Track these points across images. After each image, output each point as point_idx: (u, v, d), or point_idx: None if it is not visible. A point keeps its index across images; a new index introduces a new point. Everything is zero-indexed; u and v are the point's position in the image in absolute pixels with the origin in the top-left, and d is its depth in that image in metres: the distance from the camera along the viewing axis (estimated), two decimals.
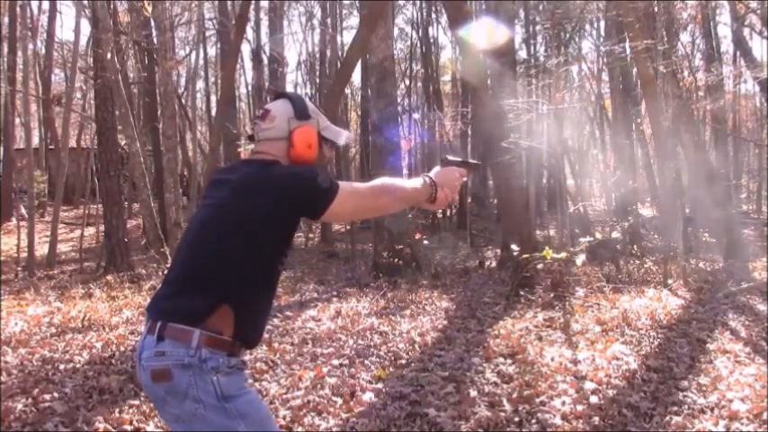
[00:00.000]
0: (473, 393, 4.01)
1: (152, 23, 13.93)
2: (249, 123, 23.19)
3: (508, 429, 3.52)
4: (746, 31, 19.05)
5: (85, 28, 29.83)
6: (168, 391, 1.72)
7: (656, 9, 11.18)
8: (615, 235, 9.62)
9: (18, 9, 17.53)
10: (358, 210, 1.90)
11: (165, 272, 1.96)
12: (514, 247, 7.59)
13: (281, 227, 1.81)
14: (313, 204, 1.79)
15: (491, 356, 4.83)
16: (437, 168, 2.00)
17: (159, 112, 14.84)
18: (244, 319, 1.78)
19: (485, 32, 9.23)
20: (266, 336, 5.35)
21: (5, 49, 18.10)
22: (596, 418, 3.59)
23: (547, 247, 7.22)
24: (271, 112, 1.94)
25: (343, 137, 2.03)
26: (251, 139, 1.99)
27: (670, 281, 8.26)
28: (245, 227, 1.76)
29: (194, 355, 1.70)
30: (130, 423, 3.58)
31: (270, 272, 1.86)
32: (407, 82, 26.76)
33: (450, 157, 2.04)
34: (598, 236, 8.18)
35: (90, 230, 16.54)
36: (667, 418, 3.62)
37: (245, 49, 21.48)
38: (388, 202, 1.90)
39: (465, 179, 2.03)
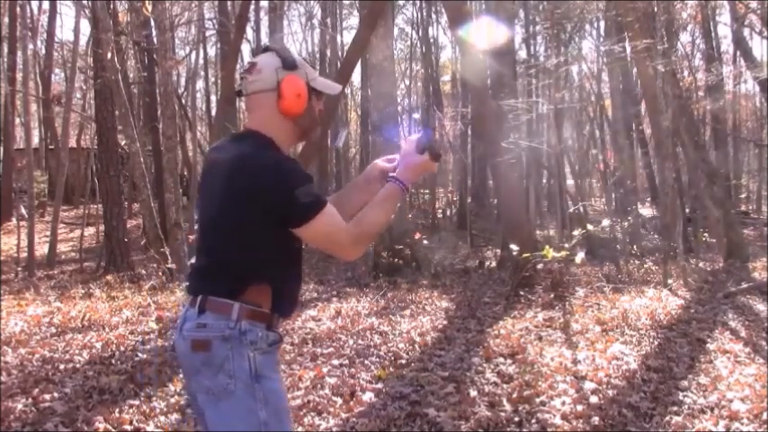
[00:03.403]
0: (473, 393, 4.01)
1: (152, 23, 13.92)
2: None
3: (508, 429, 3.52)
4: (746, 31, 19.07)
5: (85, 28, 29.87)
6: (204, 361, 1.75)
7: (655, 9, 11.17)
8: (605, 223, 9.68)
9: (18, 9, 17.52)
10: (329, 244, 1.83)
11: (195, 243, 1.98)
12: (514, 246, 7.58)
13: (275, 219, 1.78)
14: (287, 220, 1.76)
15: (491, 356, 4.83)
16: (405, 154, 1.92)
17: (159, 112, 14.83)
18: (279, 293, 1.82)
19: (485, 32, 9.23)
20: None
21: (5, 49, 18.09)
22: (596, 418, 3.59)
23: (547, 246, 7.22)
24: (257, 64, 1.88)
25: (334, 87, 1.97)
26: (239, 94, 1.93)
27: (670, 281, 8.26)
28: (245, 218, 1.76)
29: (234, 327, 1.74)
30: (130, 423, 3.58)
31: (288, 251, 1.85)
32: (407, 82, 26.77)
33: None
34: (590, 227, 8.19)
35: (90, 230, 16.54)
36: (667, 418, 3.62)
37: (245, 49, 21.48)
38: (366, 243, 1.86)
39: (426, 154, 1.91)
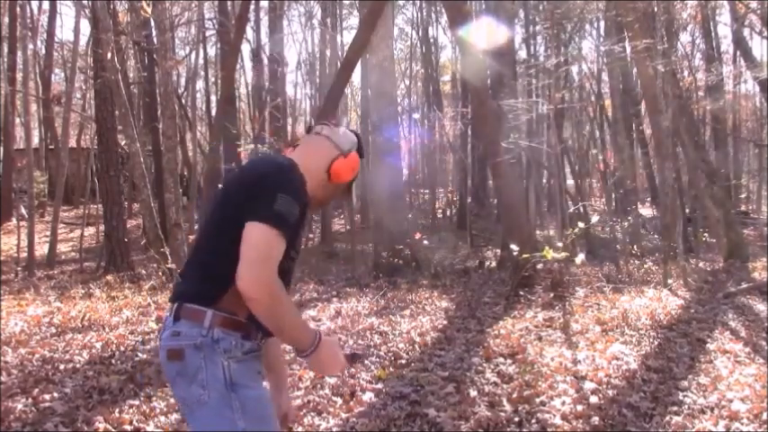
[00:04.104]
0: (473, 393, 4.01)
1: (152, 23, 13.93)
2: (249, 123, 23.19)
3: (508, 429, 3.52)
4: (746, 31, 19.07)
5: (85, 28, 29.86)
6: (179, 371, 1.73)
7: (655, 9, 11.18)
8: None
9: (18, 9, 17.52)
10: (253, 256, 1.63)
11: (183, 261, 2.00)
12: (514, 247, 7.58)
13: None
14: (247, 209, 1.68)
15: (491, 356, 4.83)
16: (335, 344, 1.82)
17: (159, 112, 14.84)
18: None
19: (485, 32, 9.24)
20: None
21: (5, 49, 18.09)
22: (596, 418, 3.59)
23: (546, 247, 7.22)
24: (343, 127, 2.02)
25: (352, 199, 2.15)
26: (308, 130, 2.02)
27: (670, 281, 8.25)
28: (236, 221, 1.73)
29: (207, 335, 1.71)
30: (130, 423, 3.58)
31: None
32: (407, 82, 26.78)
33: (354, 353, 2.07)
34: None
35: (90, 230, 16.53)
36: (667, 418, 3.62)
37: (245, 49, 21.50)
38: (265, 300, 1.65)
39: (343, 370, 2.03)
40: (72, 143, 20.11)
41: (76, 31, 16.28)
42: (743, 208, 23.46)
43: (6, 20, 18.61)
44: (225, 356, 1.71)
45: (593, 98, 19.89)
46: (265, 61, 20.08)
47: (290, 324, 1.72)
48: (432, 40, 24.31)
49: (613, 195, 16.33)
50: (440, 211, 23.75)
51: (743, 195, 25.81)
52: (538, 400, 3.86)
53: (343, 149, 1.94)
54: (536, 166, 14.79)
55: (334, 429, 3.54)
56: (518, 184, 9.08)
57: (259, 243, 1.65)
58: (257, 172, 1.78)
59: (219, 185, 2.07)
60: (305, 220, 1.86)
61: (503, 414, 3.67)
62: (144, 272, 10.30)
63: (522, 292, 7.26)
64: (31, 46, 19.46)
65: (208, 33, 22.42)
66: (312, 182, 1.88)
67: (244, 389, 1.71)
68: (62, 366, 4.61)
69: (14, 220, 14.93)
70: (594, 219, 10.01)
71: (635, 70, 13.85)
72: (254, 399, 1.74)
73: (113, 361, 4.74)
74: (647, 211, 19.88)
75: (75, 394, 4.01)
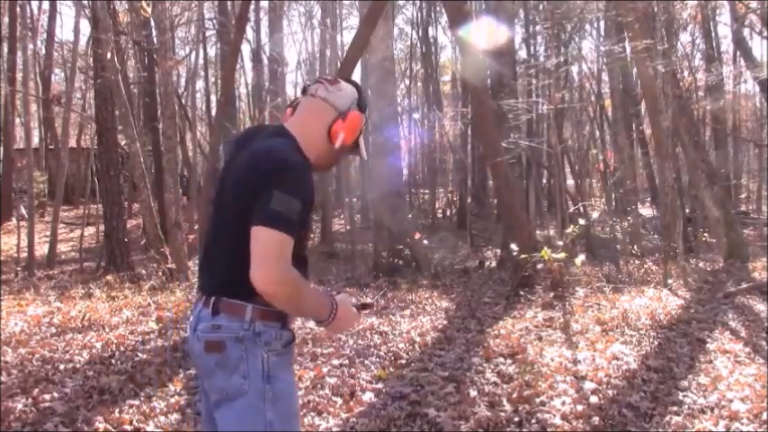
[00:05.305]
0: (473, 393, 4.01)
1: (152, 23, 13.93)
2: (249, 123, 23.19)
3: (508, 429, 3.52)
4: (746, 31, 19.08)
5: (85, 28, 29.82)
6: (218, 362, 1.77)
7: (655, 9, 11.18)
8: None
9: (18, 9, 17.52)
10: (264, 259, 1.67)
11: (205, 240, 1.99)
12: (514, 247, 7.58)
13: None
14: (254, 212, 1.69)
15: (491, 356, 4.83)
16: (346, 301, 1.89)
17: (159, 112, 14.84)
18: None
19: (485, 32, 9.24)
20: None
21: (5, 49, 18.09)
22: (596, 418, 3.59)
23: (545, 248, 7.21)
24: (341, 83, 1.94)
25: (364, 154, 2.09)
26: (303, 92, 1.97)
27: (670, 281, 8.25)
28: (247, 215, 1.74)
29: (248, 328, 1.77)
30: (130, 423, 3.57)
31: (297, 248, 1.78)
32: (407, 82, 26.80)
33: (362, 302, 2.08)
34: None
35: (90, 230, 16.53)
36: (667, 418, 3.62)
37: (245, 49, 21.52)
38: (284, 293, 1.71)
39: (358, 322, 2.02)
40: (72, 143, 20.10)
41: (76, 31, 16.29)
42: (743, 208, 23.46)
43: (6, 20, 18.61)
44: (265, 349, 1.78)
45: (593, 98, 19.89)
46: (265, 61, 20.09)
47: (311, 305, 1.80)
48: (432, 40, 24.31)
49: (613, 195, 16.33)
50: (440, 211, 23.76)
51: (743, 195, 25.81)
52: (538, 400, 3.86)
53: (341, 110, 1.89)
54: (536, 166, 14.79)
55: (334, 429, 3.54)
56: (518, 184, 9.08)
57: (267, 246, 1.68)
58: (257, 169, 1.75)
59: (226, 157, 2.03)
60: (312, 207, 1.85)
61: (503, 414, 3.67)
62: (144, 272, 10.29)
63: (522, 292, 7.26)
64: (31, 46, 19.47)
65: (208, 33, 22.47)
66: (316, 149, 1.89)
67: (278, 382, 1.79)
68: (62, 366, 4.60)
69: (14, 220, 14.92)
70: (595, 214, 10.02)
71: (635, 70, 13.86)
72: (285, 392, 1.81)
73: (113, 361, 4.74)
74: (647, 211, 19.88)
75: (76, 394, 4.01)
